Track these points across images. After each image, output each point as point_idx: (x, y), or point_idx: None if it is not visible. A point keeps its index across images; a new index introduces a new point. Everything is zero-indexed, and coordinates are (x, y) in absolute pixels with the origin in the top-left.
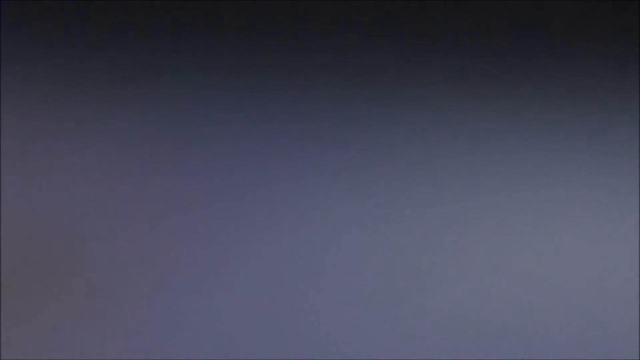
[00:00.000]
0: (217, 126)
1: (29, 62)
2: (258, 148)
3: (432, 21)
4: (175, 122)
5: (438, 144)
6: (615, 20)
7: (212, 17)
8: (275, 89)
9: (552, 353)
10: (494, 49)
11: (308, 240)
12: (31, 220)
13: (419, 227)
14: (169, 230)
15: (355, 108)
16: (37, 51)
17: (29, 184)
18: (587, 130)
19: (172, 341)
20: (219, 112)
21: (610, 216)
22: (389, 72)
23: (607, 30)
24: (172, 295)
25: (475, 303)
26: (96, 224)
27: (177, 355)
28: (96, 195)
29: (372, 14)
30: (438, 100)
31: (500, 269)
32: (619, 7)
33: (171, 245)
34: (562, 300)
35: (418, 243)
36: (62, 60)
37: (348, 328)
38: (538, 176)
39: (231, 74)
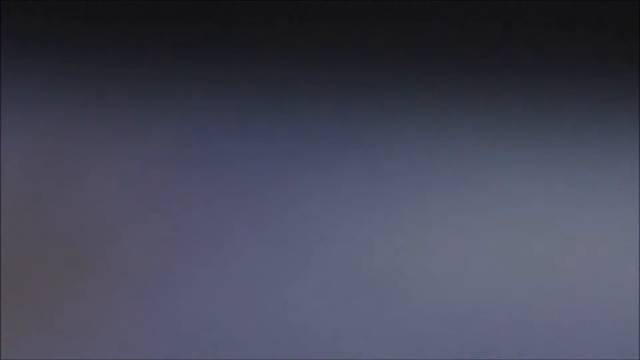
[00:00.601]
0: (219, 126)
1: (29, 62)
2: (258, 150)
3: (430, 20)
4: (177, 121)
5: (436, 143)
6: (615, 20)
7: (220, 22)
8: (276, 97)
9: (552, 353)
10: (493, 49)
11: (306, 239)
12: (31, 219)
13: (417, 226)
14: (170, 230)
15: (353, 114)
16: (38, 51)
17: (30, 183)
18: (587, 130)
19: (171, 342)
20: (221, 113)
21: (610, 217)
22: (389, 75)
23: (607, 30)
24: (172, 296)
25: (474, 303)
26: (95, 223)
27: (177, 355)
28: (97, 194)
29: (374, 20)
30: (437, 97)
31: (499, 269)
32: (619, 7)
33: (172, 246)
34: (562, 300)
35: (416, 242)
36: (62, 60)
37: (343, 327)
38: (536, 176)
39: (232, 74)
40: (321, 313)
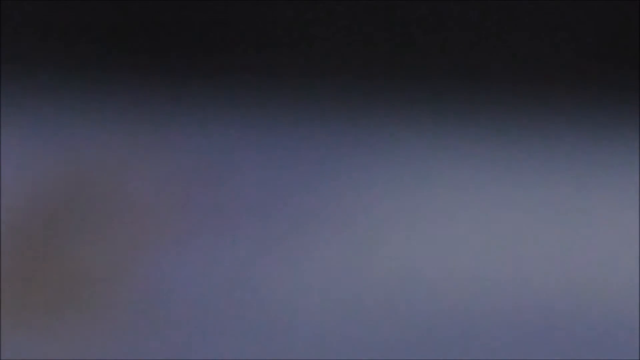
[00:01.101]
0: (219, 128)
1: (29, 62)
2: (258, 150)
3: (430, 22)
4: (175, 121)
5: (436, 142)
6: (615, 20)
7: (223, 26)
8: (276, 98)
9: (552, 353)
10: (491, 51)
11: (304, 239)
12: (31, 219)
13: (416, 225)
14: (168, 230)
15: (353, 115)
16: (38, 51)
17: (30, 183)
18: (587, 131)
19: (171, 342)
20: (221, 116)
21: (610, 216)
22: (387, 79)
23: (607, 30)
24: (173, 298)
25: (473, 301)
26: (96, 223)
27: (178, 355)
28: (97, 194)
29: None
30: (437, 97)
31: (499, 268)
32: (618, 8)
33: (173, 248)
34: (561, 300)
35: (415, 241)
36: (62, 60)
37: (342, 327)
38: (536, 176)
39: (232, 78)
40: (320, 313)
